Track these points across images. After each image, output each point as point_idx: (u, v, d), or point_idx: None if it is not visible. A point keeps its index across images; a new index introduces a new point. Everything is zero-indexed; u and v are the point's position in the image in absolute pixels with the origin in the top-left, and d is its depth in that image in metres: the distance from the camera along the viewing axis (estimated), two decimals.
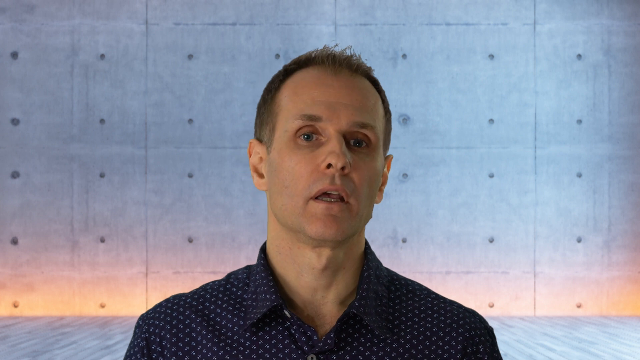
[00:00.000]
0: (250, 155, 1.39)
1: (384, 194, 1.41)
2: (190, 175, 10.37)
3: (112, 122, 10.38)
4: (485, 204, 10.41)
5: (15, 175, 10.32)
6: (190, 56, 10.42)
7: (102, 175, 10.34)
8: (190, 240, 10.33)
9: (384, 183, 1.39)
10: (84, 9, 10.41)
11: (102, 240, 10.30)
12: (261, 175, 1.37)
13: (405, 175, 10.36)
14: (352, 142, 1.31)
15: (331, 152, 1.27)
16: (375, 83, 1.38)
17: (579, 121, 10.46)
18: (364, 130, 1.31)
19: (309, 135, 1.30)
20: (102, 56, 10.39)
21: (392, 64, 10.45)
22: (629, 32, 10.49)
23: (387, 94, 10.38)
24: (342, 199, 1.28)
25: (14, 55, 10.36)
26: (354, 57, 1.35)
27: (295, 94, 1.33)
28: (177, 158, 10.38)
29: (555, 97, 10.47)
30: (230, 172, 10.34)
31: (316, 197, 1.28)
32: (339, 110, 1.30)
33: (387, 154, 1.40)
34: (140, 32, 10.43)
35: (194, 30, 10.44)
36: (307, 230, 1.28)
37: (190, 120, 10.38)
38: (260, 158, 1.37)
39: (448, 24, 10.49)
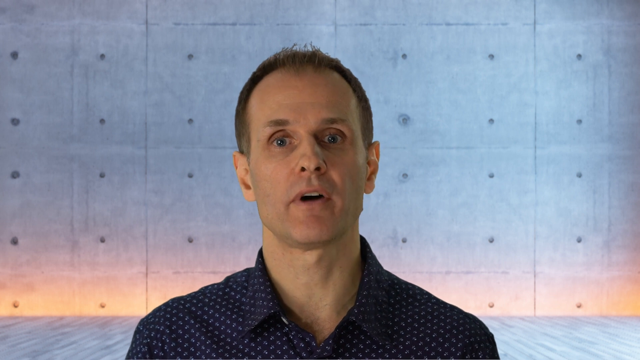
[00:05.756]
0: (236, 168, 1.39)
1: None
2: (190, 175, 10.37)
3: (112, 122, 10.37)
4: (485, 204, 10.41)
5: (15, 175, 10.32)
6: (190, 56, 10.41)
7: (102, 175, 10.34)
8: (190, 240, 10.33)
9: (373, 172, 1.37)
10: (84, 9, 10.40)
11: (102, 240, 10.30)
12: (248, 187, 1.37)
13: (405, 175, 10.35)
14: (326, 139, 1.29)
15: (303, 154, 1.26)
16: (344, 73, 1.35)
17: (579, 121, 10.46)
18: (335, 126, 1.29)
19: (281, 140, 1.29)
20: (102, 56, 10.39)
21: (392, 64, 10.44)
22: (629, 32, 10.49)
23: (387, 94, 10.39)
24: (322, 197, 1.27)
25: (14, 55, 10.36)
26: (317, 52, 1.33)
27: (262, 101, 1.32)
28: (177, 158, 10.38)
29: (555, 97, 10.47)
30: (230, 172, 10.34)
31: (298, 200, 1.27)
32: (306, 111, 1.29)
33: (373, 140, 1.38)
34: (140, 32, 10.42)
35: (194, 30, 10.44)
36: (292, 234, 1.28)
37: (190, 120, 10.38)
38: (246, 170, 1.37)
39: (448, 24, 10.49)
